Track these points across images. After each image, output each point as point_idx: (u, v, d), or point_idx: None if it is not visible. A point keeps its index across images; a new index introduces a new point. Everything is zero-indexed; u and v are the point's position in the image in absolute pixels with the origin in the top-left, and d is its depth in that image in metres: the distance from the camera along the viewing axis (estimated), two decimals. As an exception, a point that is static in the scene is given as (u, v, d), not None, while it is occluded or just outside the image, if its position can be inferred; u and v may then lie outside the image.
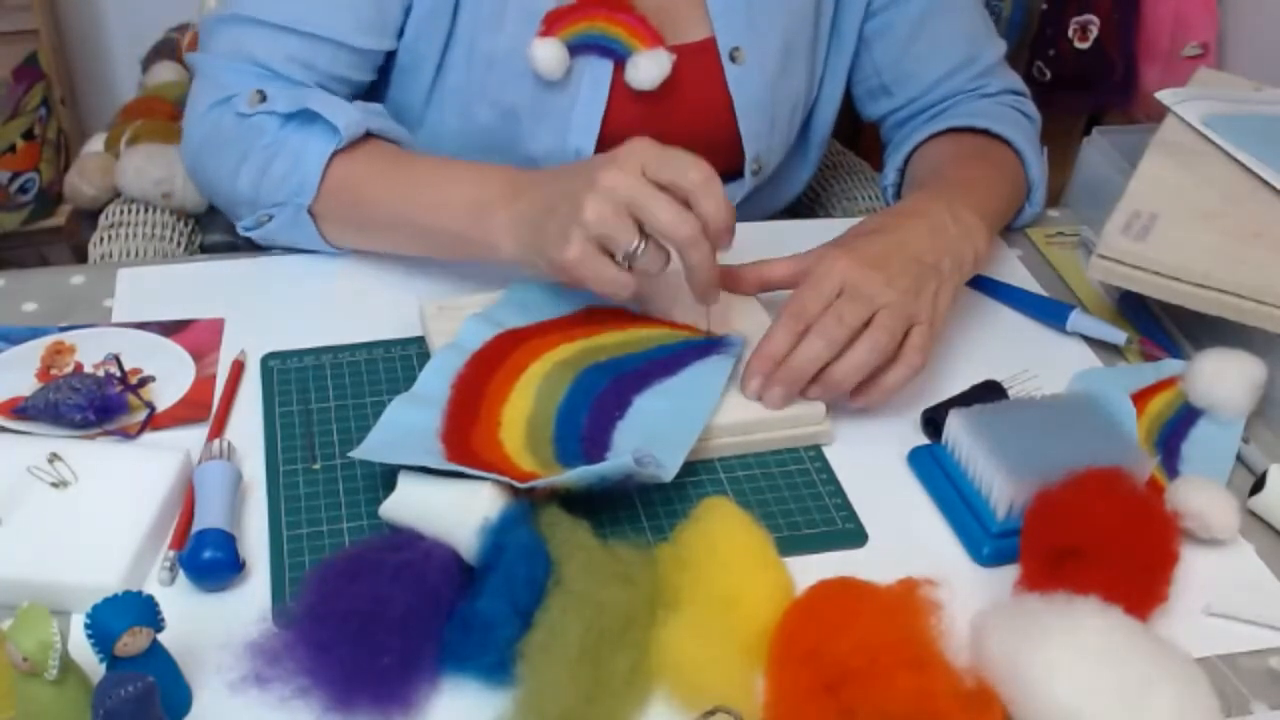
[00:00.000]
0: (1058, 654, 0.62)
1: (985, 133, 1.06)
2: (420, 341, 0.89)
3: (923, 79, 1.11)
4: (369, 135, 0.93)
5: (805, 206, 1.35)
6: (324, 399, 0.84)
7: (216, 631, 0.66)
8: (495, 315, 0.86)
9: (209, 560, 0.69)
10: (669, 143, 1.05)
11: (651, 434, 0.77)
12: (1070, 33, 1.93)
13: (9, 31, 1.96)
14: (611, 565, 0.68)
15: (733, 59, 1.04)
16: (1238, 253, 0.88)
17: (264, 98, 0.93)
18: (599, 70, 1.01)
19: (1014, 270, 1.04)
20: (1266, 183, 0.95)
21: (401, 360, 0.88)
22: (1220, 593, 0.74)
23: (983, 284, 1.00)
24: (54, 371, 0.84)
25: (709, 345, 0.85)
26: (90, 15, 2.14)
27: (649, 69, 0.99)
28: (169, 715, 0.61)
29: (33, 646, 0.57)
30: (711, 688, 0.64)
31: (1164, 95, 1.04)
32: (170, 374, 0.85)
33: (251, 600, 0.69)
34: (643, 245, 0.77)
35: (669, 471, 0.75)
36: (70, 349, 0.87)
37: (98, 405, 0.79)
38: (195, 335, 0.89)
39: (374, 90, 1.06)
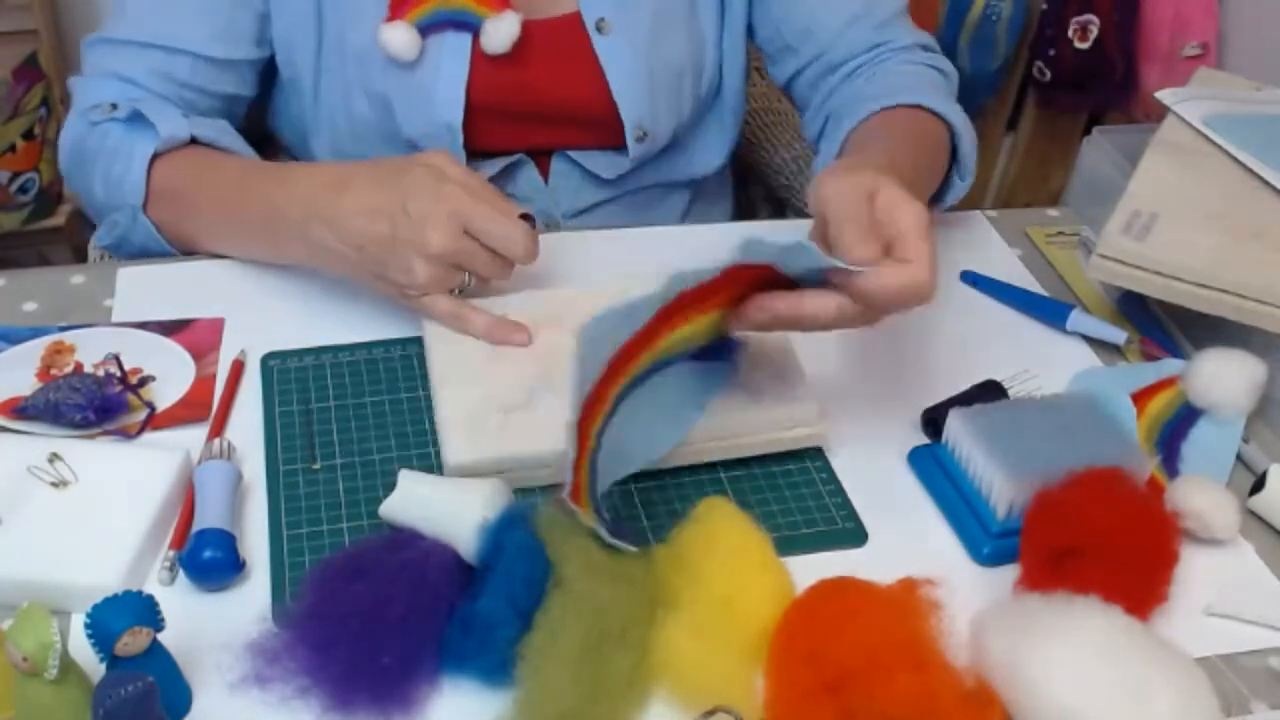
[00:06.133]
0: (1058, 654, 0.62)
1: (916, 108, 1.02)
2: (420, 341, 0.89)
3: (822, 33, 1.10)
4: (195, 142, 0.96)
5: (785, 189, 1.34)
6: (324, 399, 0.84)
7: (216, 631, 0.66)
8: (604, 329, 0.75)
9: (209, 560, 0.69)
10: (543, 113, 1.06)
11: (628, 444, 0.74)
12: (1070, 33, 1.93)
13: (9, 31, 1.96)
14: (611, 565, 0.68)
15: (599, 30, 1.05)
16: (1238, 253, 0.88)
17: (114, 108, 0.97)
18: (457, 43, 1.02)
19: (1014, 270, 1.04)
20: (1267, 183, 0.95)
21: (401, 360, 0.88)
22: (1220, 593, 0.74)
23: (983, 284, 1.00)
24: (54, 371, 0.84)
25: (709, 346, 0.84)
26: (90, 15, 2.14)
27: (497, 32, 1.01)
28: (169, 715, 0.61)
29: (33, 646, 0.57)
30: (711, 688, 0.64)
31: (1164, 95, 1.04)
32: (170, 374, 0.85)
33: (251, 600, 0.69)
34: (470, 280, 0.86)
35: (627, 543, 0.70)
36: (70, 349, 0.87)
37: (98, 405, 0.79)
38: (195, 335, 0.89)
39: (269, 108, 1.11)
